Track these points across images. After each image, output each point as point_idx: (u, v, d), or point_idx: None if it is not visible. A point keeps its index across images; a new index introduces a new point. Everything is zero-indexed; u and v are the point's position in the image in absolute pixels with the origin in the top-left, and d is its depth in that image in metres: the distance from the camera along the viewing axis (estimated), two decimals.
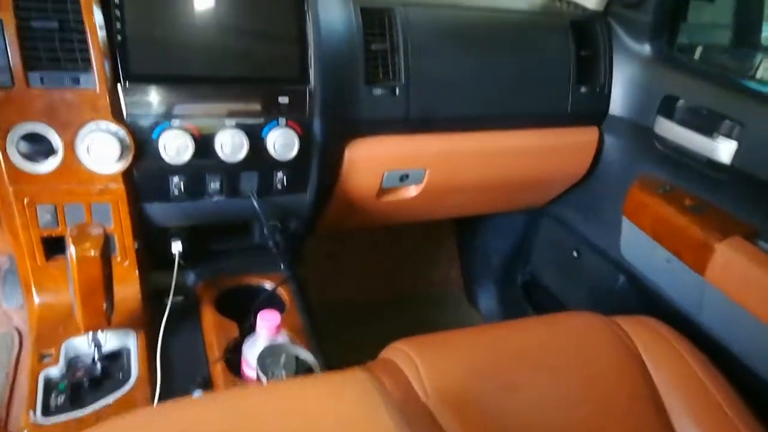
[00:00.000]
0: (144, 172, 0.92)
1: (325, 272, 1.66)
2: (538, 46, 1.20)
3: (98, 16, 0.84)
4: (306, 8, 0.96)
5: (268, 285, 1.07)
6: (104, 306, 0.81)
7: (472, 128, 1.18)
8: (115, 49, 0.86)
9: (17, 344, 1.41)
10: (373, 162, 1.12)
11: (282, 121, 0.96)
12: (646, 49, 1.23)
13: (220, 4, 0.92)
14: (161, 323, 0.92)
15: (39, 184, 0.87)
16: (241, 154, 0.93)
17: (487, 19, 1.17)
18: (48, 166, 0.86)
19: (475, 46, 1.14)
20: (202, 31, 0.91)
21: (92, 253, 0.75)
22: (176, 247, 1.01)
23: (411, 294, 1.91)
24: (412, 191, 1.21)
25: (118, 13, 0.85)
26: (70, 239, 0.75)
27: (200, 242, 1.08)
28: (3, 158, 0.84)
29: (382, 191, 1.18)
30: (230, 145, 0.92)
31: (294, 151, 0.97)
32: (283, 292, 1.07)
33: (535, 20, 1.23)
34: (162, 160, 0.90)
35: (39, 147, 0.85)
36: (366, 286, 1.84)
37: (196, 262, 1.09)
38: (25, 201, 0.87)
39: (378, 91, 1.06)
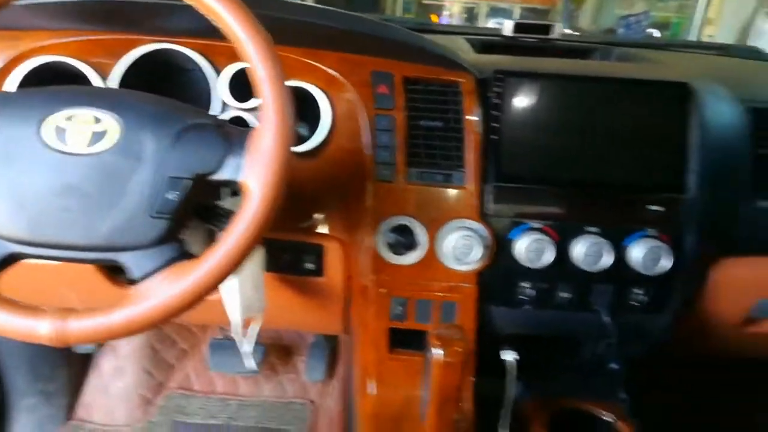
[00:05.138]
0: (496, 274, 0.87)
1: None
2: None
3: (477, 117, 0.85)
4: (691, 110, 0.86)
5: (607, 416, 0.93)
6: (455, 417, 0.75)
7: None
8: (488, 149, 0.85)
9: (310, 416, 1.47)
10: (743, 286, 0.93)
11: (652, 231, 0.85)
12: None
13: (594, 108, 0.86)
14: None
15: (397, 276, 0.88)
16: (602, 263, 0.84)
17: None
18: (409, 259, 0.87)
19: None
20: (573, 134, 0.86)
21: (456, 358, 0.71)
22: (510, 355, 0.93)
23: None
24: None
25: (495, 114, 0.85)
26: (436, 341, 0.72)
27: (529, 354, 0.99)
28: (370, 248, 0.87)
29: (750, 320, 0.97)
30: (592, 253, 0.84)
31: (661, 267, 0.84)
32: (623, 428, 0.91)
33: None
34: (517, 262, 0.85)
35: (404, 240, 0.86)
36: None
37: (524, 375, 1.00)
38: (382, 291, 0.89)
39: (766, 204, 0.88)
